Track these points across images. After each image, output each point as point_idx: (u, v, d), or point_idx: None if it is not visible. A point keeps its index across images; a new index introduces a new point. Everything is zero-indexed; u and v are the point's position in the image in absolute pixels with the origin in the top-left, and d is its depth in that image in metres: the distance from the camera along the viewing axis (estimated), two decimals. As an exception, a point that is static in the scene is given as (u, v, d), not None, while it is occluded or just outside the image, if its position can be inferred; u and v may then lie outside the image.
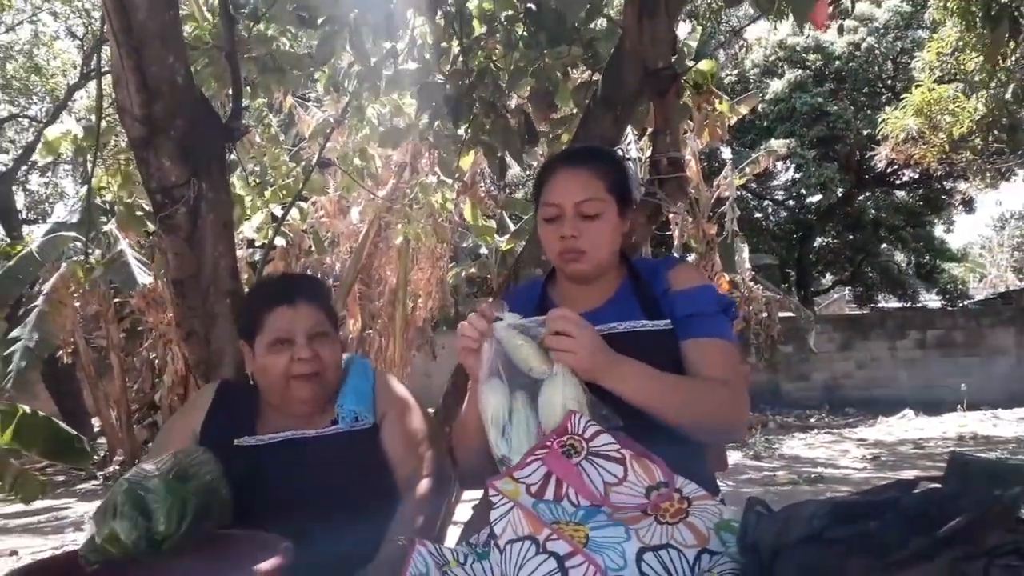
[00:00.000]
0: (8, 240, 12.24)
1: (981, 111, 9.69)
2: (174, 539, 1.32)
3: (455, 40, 3.35)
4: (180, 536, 1.32)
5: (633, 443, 1.19)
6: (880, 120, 11.56)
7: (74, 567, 1.33)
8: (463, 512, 3.14)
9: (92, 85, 14.07)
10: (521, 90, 3.63)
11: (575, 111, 3.47)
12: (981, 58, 8.25)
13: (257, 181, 4.89)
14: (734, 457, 8.67)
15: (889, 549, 0.91)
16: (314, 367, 1.59)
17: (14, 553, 5.78)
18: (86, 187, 5.40)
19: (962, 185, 14.78)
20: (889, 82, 15.62)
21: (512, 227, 11.56)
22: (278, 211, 5.58)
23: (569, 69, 3.42)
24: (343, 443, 1.59)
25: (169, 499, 1.32)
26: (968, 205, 17.12)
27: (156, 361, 8.50)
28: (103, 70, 3.64)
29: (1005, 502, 0.91)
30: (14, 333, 7.75)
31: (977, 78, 9.19)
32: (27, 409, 3.61)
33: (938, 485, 1.03)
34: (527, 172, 15.07)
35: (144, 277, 7.75)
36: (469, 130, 3.42)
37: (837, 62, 15.24)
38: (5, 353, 7.68)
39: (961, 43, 8.97)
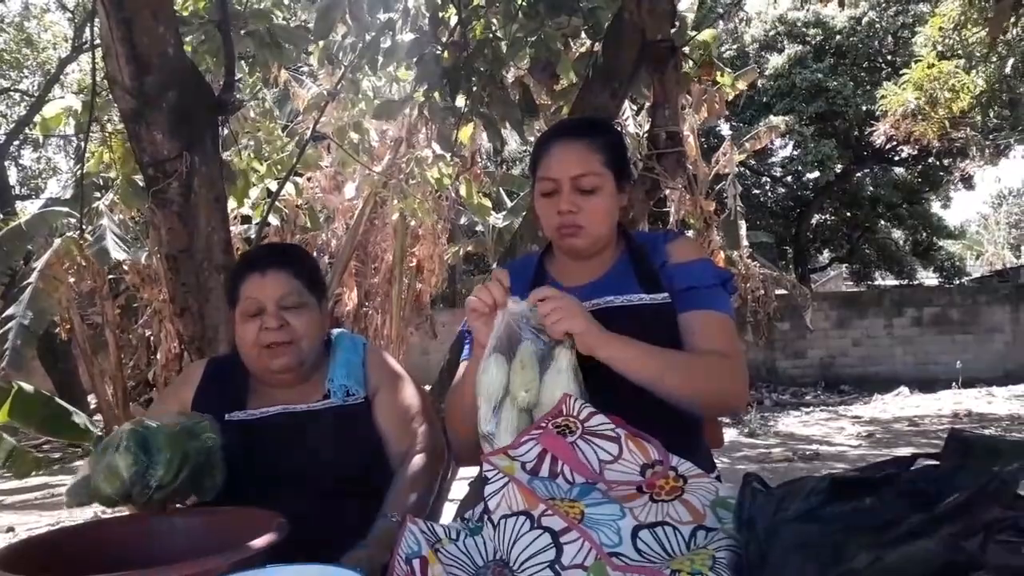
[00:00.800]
0: (2, 215, 12.17)
1: (981, 86, 9.64)
2: (167, 490, 1.31)
3: (453, 10, 3.30)
4: (173, 489, 1.32)
5: (627, 424, 1.18)
6: (880, 96, 11.49)
7: (67, 543, 1.31)
8: (459, 489, 3.15)
9: (84, 59, 13.93)
10: (520, 61, 3.59)
11: (576, 83, 3.43)
12: (983, 32, 8.18)
13: (252, 156, 4.84)
14: (729, 434, 8.71)
15: (886, 525, 0.91)
16: (282, 337, 1.56)
17: (11, 529, 5.80)
18: (81, 162, 5.35)
19: (961, 161, 14.71)
20: (889, 57, 15.50)
21: (509, 203, 11.50)
22: (272, 186, 5.55)
23: (570, 40, 3.38)
24: (334, 417, 1.58)
25: (171, 448, 1.32)
26: (967, 182, 17.08)
27: (151, 338, 8.50)
28: (96, 43, 3.60)
29: (1003, 478, 0.90)
30: (9, 311, 7.71)
31: (978, 52, 9.13)
32: (24, 386, 3.59)
33: (936, 462, 1.02)
34: (525, 148, 14.99)
35: (119, 252, 7.65)
36: (467, 102, 3.38)
37: (838, 37, 15.11)
38: (1, 331, 7.64)
39: (963, 17, 8.90)
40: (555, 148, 1.53)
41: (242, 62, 3.74)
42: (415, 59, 3.36)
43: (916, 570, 0.86)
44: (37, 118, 8.15)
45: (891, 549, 0.88)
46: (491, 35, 3.44)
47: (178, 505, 1.39)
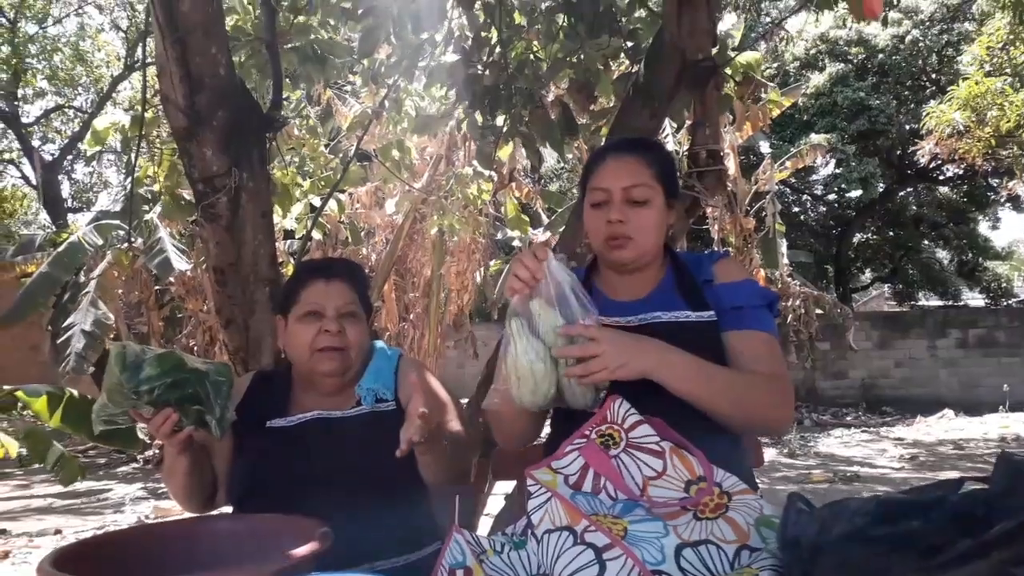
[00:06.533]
0: (55, 228, 12.51)
1: (1030, 105, 9.44)
2: (152, 396, 1.41)
3: (494, 30, 3.34)
4: (158, 397, 1.42)
5: (671, 431, 1.18)
6: (924, 114, 11.30)
7: (116, 546, 1.35)
8: (494, 504, 3.15)
9: (135, 76, 14.32)
10: (560, 81, 3.61)
11: (614, 103, 3.44)
12: (1031, 51, 8.04)
13: (295, 172, 4.94)
14: (769, 454, 8.58)
15: (934, 549, 0.89)
16: (339, 342, 1.63)
17: (58, 532, 5.94)
18: (130, 176, 5.50)
19: (1008, 181, 14.38)
20: (933, 76, 15.25)
21: (546, 220, 11.51)
22: (316, 202, 5.64)
23: (609, 60, 3.39)
24: (366, 424, 1.63)
25: (160, 363, 1.43)
26: (1015, 202, 16.68)
27: (195, 348, 8.65)
28: (148, 61, 3.71)
29: (1056, 504, 0.89)
30: (71, 319, 7.91)
31: (1026, 71, 8.96)
32: (74, 392, 3.67)
33: (985, 486, 1.01)
34: (562, 165, 15.00)
35: (181, 264, 7.86)
36: (507, 121, 3.41)
37: (880, 55, 14.90)
38: (61, 339, 7.84)
39: (1011, 36, 8.75)
40: (609, 160, 1.57)
41: (287, 79, 3.82)
42: (456, 78, 3.40)
43: (964, 595, 0.85)
44: (89, 132, 8.37)
45: (939, 574, 0.87)
46: (531, 55, 3.47)
47: (184, 428, 1.45)
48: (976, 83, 9.89)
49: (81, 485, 6.99)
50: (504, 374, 1.32)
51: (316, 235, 7.21)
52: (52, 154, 15.92)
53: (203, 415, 1.44)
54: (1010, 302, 19.53)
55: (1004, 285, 20.94)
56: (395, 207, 8.61)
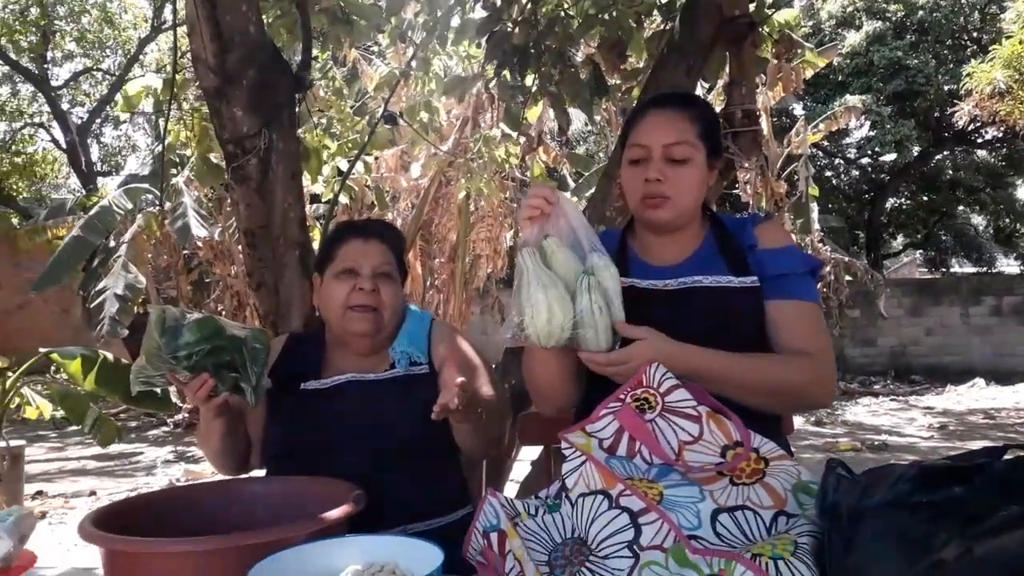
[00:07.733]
0: (84, 191, 12.65)
1: (1076, 65, 9.13)
2: (190, 361, 1.40)
3: (524, -12, 3.27)
4: (196, 363, 1.40)
5: (707, 396, 1.16)
6: (964, 74, 10.96)
7: (153, 507, 1.37)
8: (520, 470, 3.17)
9: (162, 38, 14.32)
10: (591, 39, 3.54)
11: (645, 62, 3.37)
12: (1079, 8, 7.74)
13: (323, 135, 4.92)
14: (795, 422, 8.49)
15: (978, 516, 0.88)
16: (372, 301, 1.63)
17: (93, 493, 6.10)
18: (161, 140, 5.52)
19: (1050, 145, 13.99)
20: (975, 34, 14.77)
21: (573, 184, 11.40)
22: (343, 165, 5.63)
23: (642, 17, 3.32)
24: (400, 387, 1.63)
25: (199, 329, 1.41)
26: (1056, 166, 16.24)
27: (223, 312, 8.74)
28: (178, 22, 3.69)
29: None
30: (104, 283, 8.03)
31: (1073, 30, 8.64)
32: (108, 356, 3.73)
33: (1030, 454, 0.98)
34: (589, 128, 14.82)
35: (200, 230, 7.89)
36: (536, 80, 3.36)
37: (920, 12, 14.45)
38: (94, 303, 7.96)
39: (1058, -8, 8.43)
40: (650, 115, 1.49)
41: (316, 40, 3.79)
42: (485, 37, 3.35)
43: (1009, 563, 0.84)
44: (119, 96, 8.38)
45: (982, 541, 0.85)
46: (562, 12, 3.40)
47: (220, 394, 1.43)
48: (1020, 42, 9.56)
49: (113, 448, 7.15)
50: (520, 307, 1.28)
51: (343, 199, 7.20)
52: (80, 117, 16.03)
53: (239, 382, 1.44)
54: (1047, 269, 19.13)
55: (1041, 252, 20.48)
56: (421, 170, 8.57)
